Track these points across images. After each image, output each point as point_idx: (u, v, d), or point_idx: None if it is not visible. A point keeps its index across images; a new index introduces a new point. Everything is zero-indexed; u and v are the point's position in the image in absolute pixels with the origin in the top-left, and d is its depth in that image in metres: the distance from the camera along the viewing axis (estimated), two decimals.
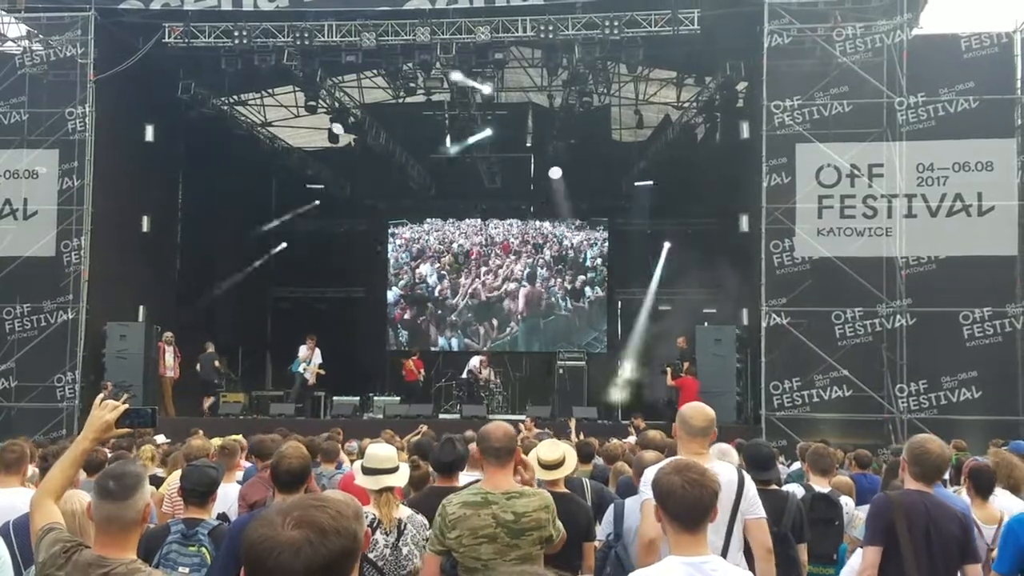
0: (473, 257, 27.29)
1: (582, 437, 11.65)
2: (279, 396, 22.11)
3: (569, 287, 26.86)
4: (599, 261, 26.95)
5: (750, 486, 4.79)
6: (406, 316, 27.33)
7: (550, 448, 5.47)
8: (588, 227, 27.13)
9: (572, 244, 27.06)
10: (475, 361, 22.76)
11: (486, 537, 4.39)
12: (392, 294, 27.47)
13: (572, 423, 13.67)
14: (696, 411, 4.93)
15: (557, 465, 5.43)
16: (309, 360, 20.85)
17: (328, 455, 8.56)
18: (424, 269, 27.44)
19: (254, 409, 21.51)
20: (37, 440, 12.25)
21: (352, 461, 7.72)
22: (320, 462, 8.23)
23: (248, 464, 8.89)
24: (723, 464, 4.89)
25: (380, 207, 27.39)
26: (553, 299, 26.86)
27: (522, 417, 17.32)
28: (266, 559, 2.00)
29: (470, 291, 27.06)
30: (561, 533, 4.57)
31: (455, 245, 27.45)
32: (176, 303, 22.12)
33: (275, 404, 20.36)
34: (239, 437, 9.78)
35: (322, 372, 20.98)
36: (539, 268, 27.02)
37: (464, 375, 22.46)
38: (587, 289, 26.85)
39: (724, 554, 4.43)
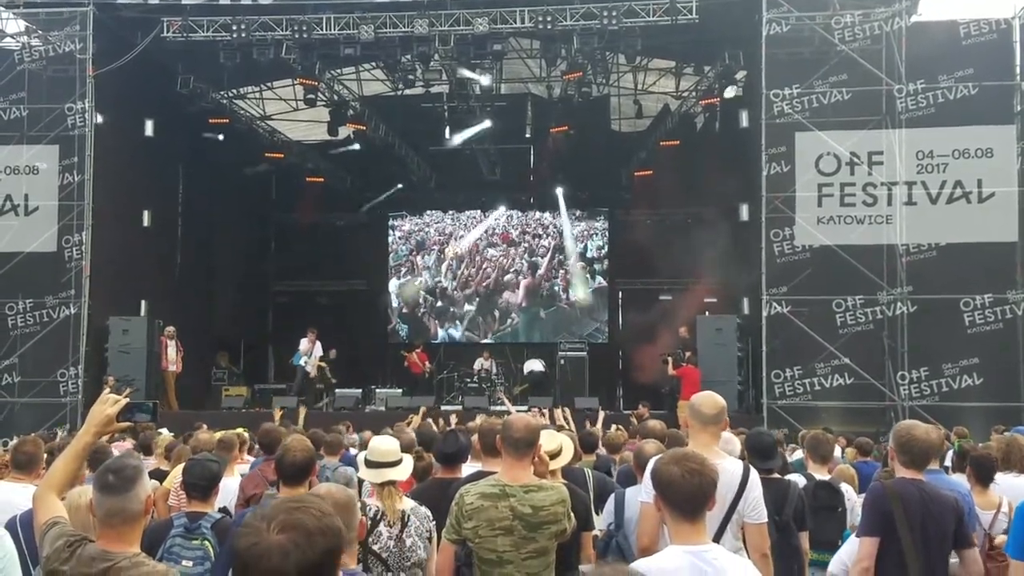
0: (473, 249, 27.27)
1: (589, 425, 11.68)
2: (281, 389, 22.13)
3: (568, 278, 26.84)
4: (600, 251, 26.94)
5: (754, 487, 4.69)
6: (404, 310, 27.36)
7: (547, 439, 5.47)
8: (588, 217, 27.12)
9: (569, 236, 27.02)
10: (539, 364, 23.11)
11: (503, 529, 4.41)
12: (393, 286, 27.49)
13: (561, 412, 13.72)
14: (706, 399, 4.90)
15: (554, 456, 5.44)
16: (310, 353, 20.94)
17: (331, 447, 8.59)
18: (424, 261, 27.45)
19: (256, 402, 21.56)
20: (41, 435, 12.29)
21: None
22: (323, 454, 8.26)
23: (252, 458, 8.92)
24: (732, 460, 4.86)
25: (380, 200, 27.37)
26: (554, 290, 26.87)
27: (523, 408, 17.35)
28: (256, 566, 2.07)
29: (471, 283, 27.06)
30: (573, 525, 4.60)
31: (455, 238, 27.44)
32: (178, 297, 22.13)
33: (277, 397, 20.40)
34: (241, 430, 9.80)
35: (323, 365, 21.03)
36: (539, 259, 27.01)
37: (541, 368, 22.91)
38: (585, 279, 26.85)
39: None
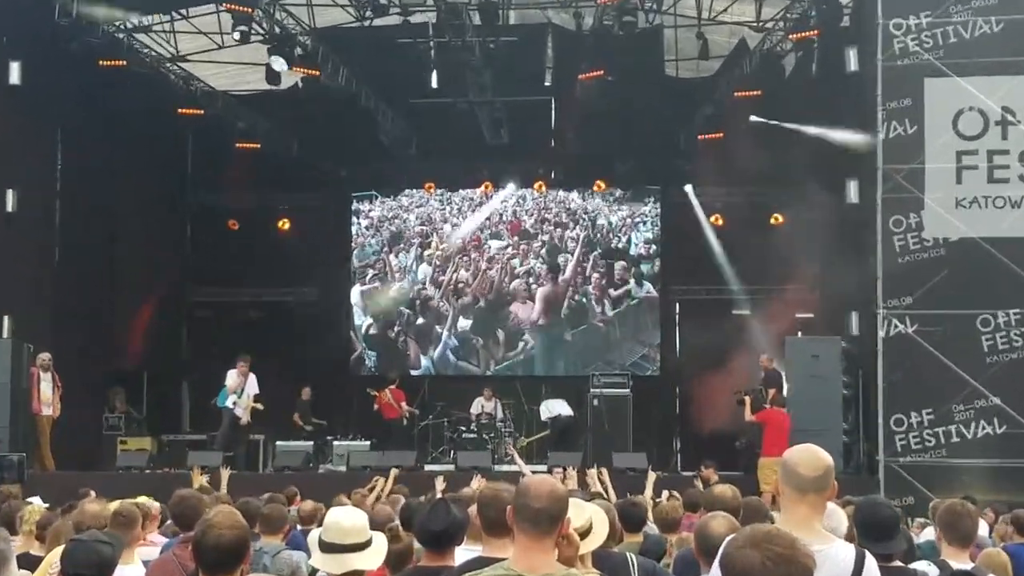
0: (470, 244, 27.26)
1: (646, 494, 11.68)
2: (200, 441, 22.16)
3: (607, 284, 26.83)
4: (649, 247, 26.91)
5: None
6: (372, 331, 27.30)
7: (573, 512, 5.45)
8: (633, 199, 27.10)
9: (611, 223, 27.02)
10: (563, 407, 23.39)
11: None
12: (356, 296, 27.46)
13: (596, 474, 13.74)
14: (804, 456, 4.83)
15: (583, 535, 5.42)
16: (241, 390, 20.89)
17: (271, 524, 8.59)
18: (400, 260, 27.42)
19: (166, 459, 21.56)
20: None
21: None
22: (259, 533, 8.26)
23: (163, 538, 8.92)
24: (839, 543, 4.84)
25: (339, 174, 27.37)
26: (584, 301, 26.83)
27: (541, 467, 17.36)
28: None
29: (466, 290, 27.02)
30: None
31: (446, 226, 27.42)
32: (55, 311, 22.16)
33: (195, 452, 20.39)
34: (146, 499, 9.79)
35: (259, 407, 21.03)
36: (564, 256, 26.98)
37: (566, 412, 23.24)
38: (632, 286, 26.82)
39: None
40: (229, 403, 20.95)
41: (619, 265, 26.92)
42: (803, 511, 4.74)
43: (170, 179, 27.62)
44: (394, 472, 14.82)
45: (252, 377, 21.12)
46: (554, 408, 23.48)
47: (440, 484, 13.16)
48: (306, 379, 24.44)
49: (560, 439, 22.38)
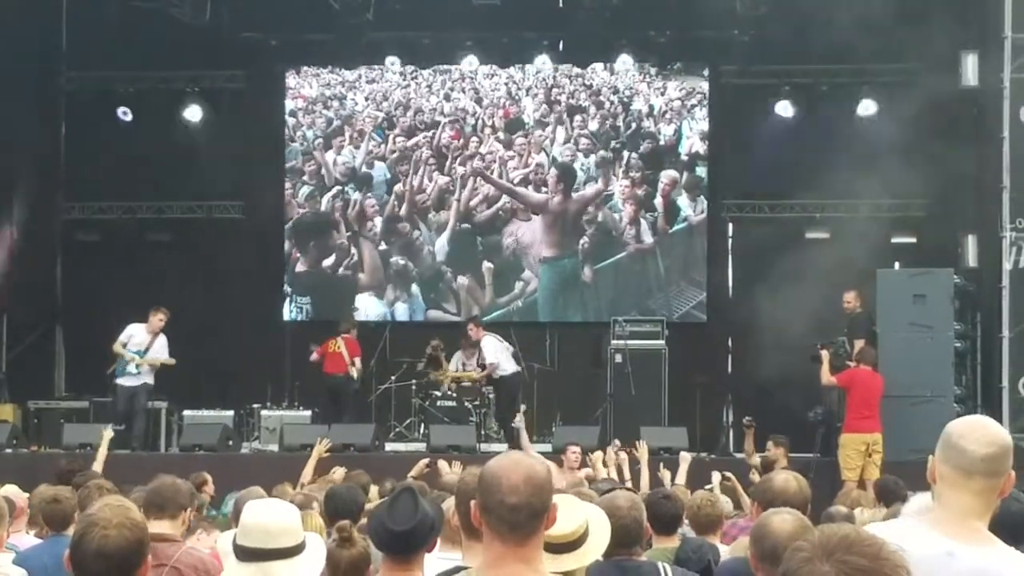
0: (448, 137, 26.98)
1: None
2: (80, 410, 22.18)
3: (641, 196, 26.72)
4: (696, 145, 26.79)
5: None
6: (300, 266, 27.01)
7: (564, 511, 5.43)
8: (674, 76, 26.87)
9: (645, 111, 26.79)
10: None
11: None
12: (290, 213, 27.12)
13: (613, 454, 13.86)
14: (974, 428, 4.82)
15: (571, 544, 5.47)
16: (145, 348, 20.57)
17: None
18: (344, 158, 27.20)
19: (35, 434, 21.59)
20: None
21: None
22: None
23: (34, 538, 8.99)
24: (1008, 554, 4.82)
25: (268, 44, 27.17)
26: (611, 222, 26.73)
27: (545, 447, 17.45)
28: None
29: (449, 198, 26.73)
30: None
31: (410, 113, 27.09)
32: None
33: (73, 426, 20.43)
34: (10, 489, 9.87)
35: (170, 361, 20.73)
36: (578, 159, 26.90)
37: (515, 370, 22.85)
38: (675, 200, 26.68)
39: None
40: (132, 369, 20.83)
41: (665, 171, 26.45)
42: (965, 501, 4.73)
43: (35, 53, 27.39)
44: (324, 442, 14.76)
45: (162, 339, 20.92)
46: (494, 353, 22.89)
47: (420, 469, 13.24)
48: (228, 324, 24.49)
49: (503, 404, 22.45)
